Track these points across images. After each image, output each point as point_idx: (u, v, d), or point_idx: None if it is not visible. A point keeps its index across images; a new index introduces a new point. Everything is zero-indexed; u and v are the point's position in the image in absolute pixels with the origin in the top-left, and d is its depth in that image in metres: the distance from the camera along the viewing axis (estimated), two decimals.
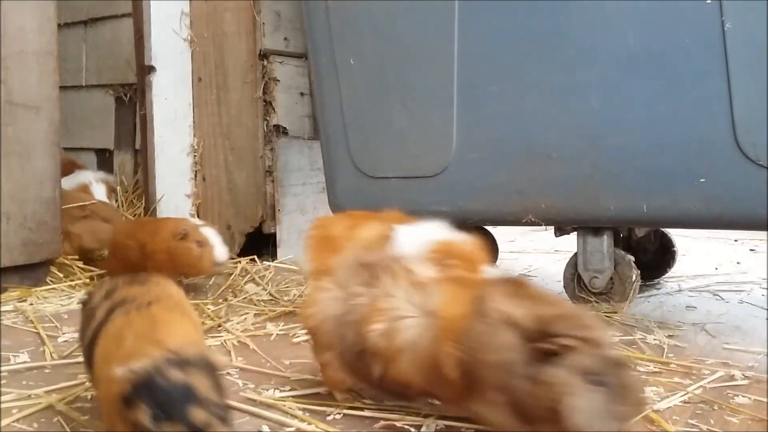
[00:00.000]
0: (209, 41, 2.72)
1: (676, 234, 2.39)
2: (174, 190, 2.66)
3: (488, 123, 1.88)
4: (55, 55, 2.12)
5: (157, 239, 1.97)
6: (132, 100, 2.94)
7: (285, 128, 2.84)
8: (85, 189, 2.56)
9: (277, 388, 1.29)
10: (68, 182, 2.53)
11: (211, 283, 2.22)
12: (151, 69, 2.59)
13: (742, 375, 1.38)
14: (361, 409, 1.19)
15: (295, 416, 1.16)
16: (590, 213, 1.81)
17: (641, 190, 1.72)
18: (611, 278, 1.89)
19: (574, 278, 1.95)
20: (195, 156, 2.71)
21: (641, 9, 1.68)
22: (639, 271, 1.90)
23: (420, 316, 1.05)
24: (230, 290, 2.13)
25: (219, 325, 1.74)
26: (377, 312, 1.07)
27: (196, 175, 2.72)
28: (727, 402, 1.24)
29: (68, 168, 2.68)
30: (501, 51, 1.84)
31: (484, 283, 1.05)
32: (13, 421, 1.14)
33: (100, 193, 2.56)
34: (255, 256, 2.55)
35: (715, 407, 1.22)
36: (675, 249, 2.34)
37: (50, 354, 1.50)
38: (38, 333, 1.65)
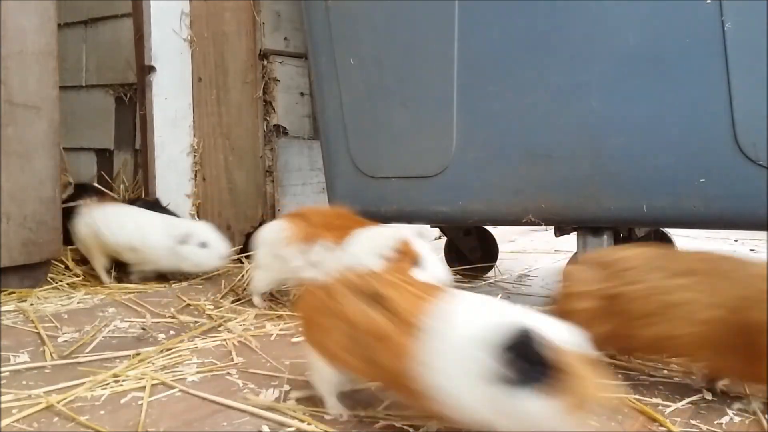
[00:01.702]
0: (209, 41, 2.73)
1: (676, 234, 2.39)
2: (174, 190, 2.66)
3: (488, 123, 1.88)
4: (55, 55, 2.12)
5: None
6: (132, 100, 2.94)
7: (285, 128, 2.84)
8: (405, 249, 1.67)
9: (277, 389, 1.30)
10: (368, 243, 1.71)
11: (212, 282, 2.22)
12: (151, 69, 2.59)
13: None
14: (360, 409, 1.19)
15: (295, 416, 1.16)
16: (590, 213, 1.81)
17: (641, 190, 1.72)
18: None
19: None
20: (195, 156, 2.71)
21: (641, 9, 1.68)
22: None
23: None
24: (231, 290, 2.13)
25: (219, 325, 1.74)
26: None
27: (196, 175, 2.72)
28: (727, 403, 1.24)
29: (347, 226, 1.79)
30: (501, 51, 1.84)
31: None
32: (13, 421, 1.14)
33: (425, 251, 1.70)
34: None
35: (716, 407, 1.22)
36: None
37: (50, 354, 1.50)
38: (38, 333, 1.66)
